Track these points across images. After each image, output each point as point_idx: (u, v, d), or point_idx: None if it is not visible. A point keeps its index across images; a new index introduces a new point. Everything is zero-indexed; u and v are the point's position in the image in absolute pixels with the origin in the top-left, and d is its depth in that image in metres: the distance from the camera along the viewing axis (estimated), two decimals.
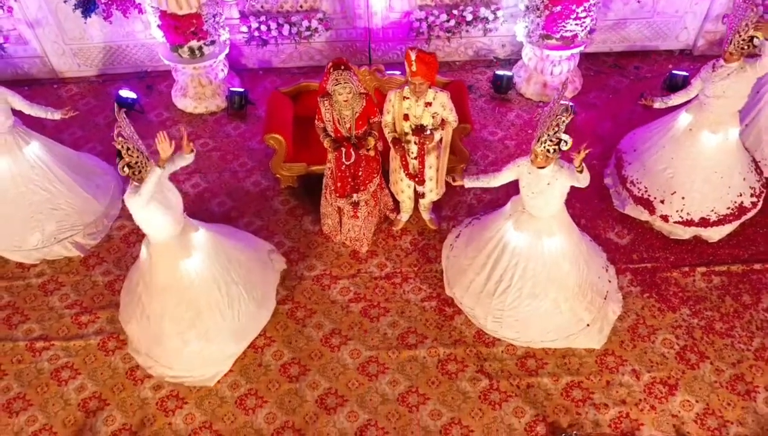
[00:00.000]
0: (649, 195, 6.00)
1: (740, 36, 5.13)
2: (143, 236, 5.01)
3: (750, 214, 5.93)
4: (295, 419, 5.05)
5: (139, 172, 4.44)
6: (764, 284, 5.67)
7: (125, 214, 6.32)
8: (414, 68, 4.95)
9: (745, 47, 5.15)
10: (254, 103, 7.39)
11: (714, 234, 5.91)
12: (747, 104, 5.68)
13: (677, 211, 5.88)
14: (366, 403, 5.11)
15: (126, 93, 7.26)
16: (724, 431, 4.87)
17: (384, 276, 5.89)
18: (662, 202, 5.93)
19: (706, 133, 5.61)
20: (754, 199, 5.92)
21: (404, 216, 6.22)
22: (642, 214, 6.06)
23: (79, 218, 6.09)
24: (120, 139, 4.35)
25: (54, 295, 5.85)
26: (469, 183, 5.03)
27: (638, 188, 6.07)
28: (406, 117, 5.27)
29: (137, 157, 4.40)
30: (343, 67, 5.03)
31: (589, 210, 6.22)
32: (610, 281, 5.58)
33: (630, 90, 7.39)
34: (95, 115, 7.40)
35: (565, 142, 4.45)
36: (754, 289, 5.64)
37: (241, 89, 7.33)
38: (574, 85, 7.35)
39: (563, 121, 4.37)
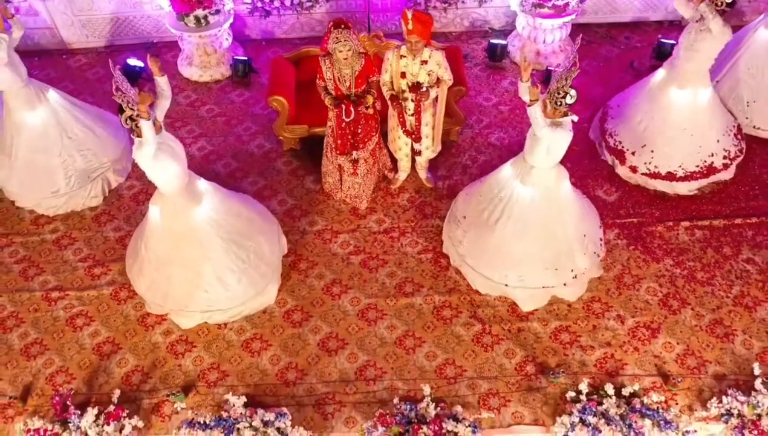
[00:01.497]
0: (622, 146, 6.31)
1: None
2: (151, 194, 5.27)
3: (721, 175, 6.19)
4: (298, 360, 5.35)
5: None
6: (744, 237, 5.95)
7: (134, 174, 6.64)
8: (410, 26, 5.21)
9: (720, 9, 5.42)
10: (258, 72, 7.66)
11: (682, 188, 6.19)
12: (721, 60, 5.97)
13: (645, 163, 6.19)
14: (365, 345, 5.41)
15: (133, 61, 7.52)
16: (703, 370, 5.16)
17: (382, 231, 6.18)
18: (633, 153, 6.25)
19: (674, 89, 5.91)
20: (727, 161, 6.17)
21: (402, 175, 6.49)
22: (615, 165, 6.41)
23: (105, 155, 6.44)
24: (119, 93, 4.59)
25: (68, 249, 6.14)
26: (525, 78, 4.82)
27: (614, 140, 6.38)
28: (403, 75, 5.53)
29: (138, 109, 4.63)
30: (343, 27, 5.28)
31: (579, 169, 6.48)
32: (591, 267, 5.68)
33: (620, 58, 7.67)
34: (104, 83, 7.65)
35: (571, 96, 4.73)
36: (734, 241, 5.92)
37: (245, 57, 7.59)
38: (566, 53, 7.61)
39: (570, 76, 4.65)
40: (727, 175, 6.27)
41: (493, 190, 5.51)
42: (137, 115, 4.64)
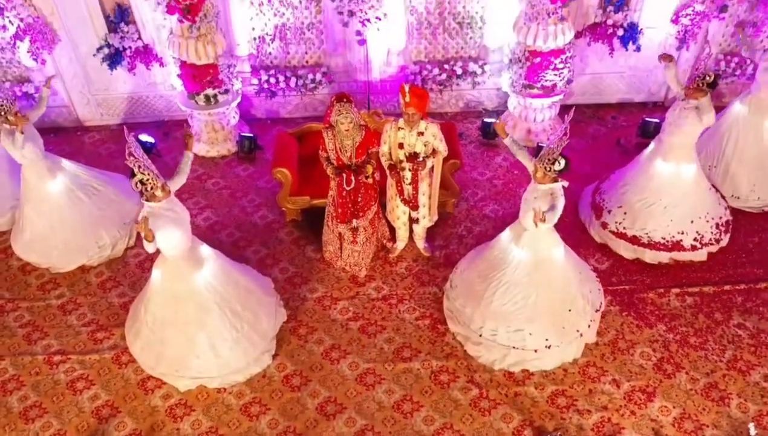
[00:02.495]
0: (603, 204, 6.61)
1: (699, 80, 5.81)
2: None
3: (686, 256, 6.37)
4: (296, 424, 5.36)
5: (151, 188, 4.92)
6: (734, 303, 6.10)
7: (140, 242, 6.83)
8: (407, 99, 5.57)
9: (702, 88, 5.83)
10: (262, 148, 8.02)
11: (647, 256, 6.42)
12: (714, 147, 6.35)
13: (616, 222, 6.48)
14: (363, 410, 5.44)
15: (144, 137, 7.89)
16: (700, 433, 5.18)
17: (381, 298, 6.32)
18: (609, 211, 6.55)
19: (659, 161, 6.24)
20: (697, 244, 6.35)
21: (400, 244, 6.70)
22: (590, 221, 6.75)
23: (124, 209, 6.84)
24: (131, 158, 4.87)
25: (72, 314, 6.26)
26: (507, 139, 5.51)
27: (600, 198, 6.71)
28: (401, 146, 5.85)
29: (148, 174, 4.90)
30: (345, 100, 5.65)
31: (571, 239, 6.66)
32: (590, 324, 5.81)
33: (607, 137, 8.07)
34: (115, 158, 7.98)
35: (559, 162, 5.04)
36: (725, 307, 6.06)
37: (251, 134, 7.97)
38: (556, 130, 8.00)
39: (560, 145, 4.97)
40: (694, 256, 6.41)
41: (492, 252, 5.72)
42: (148, 180, 4.89)
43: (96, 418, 5.45)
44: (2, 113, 6.02)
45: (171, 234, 5.11)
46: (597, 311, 5.78)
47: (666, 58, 6.23)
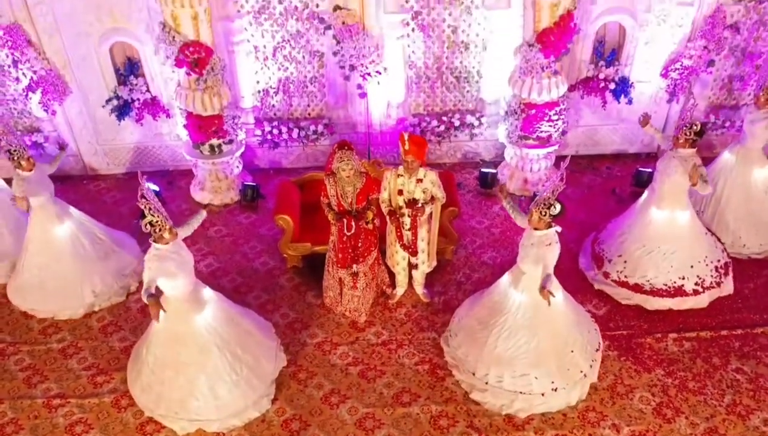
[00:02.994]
0: (603, 254, 6.70)
1: (686, 129, 6.03)
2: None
3: (690, 300, 6.44)
4: None
5: (159, 230, 5.08)
6: (731, 347, 6.14)
7: (140, 287, 6.91)
8: (407, 147, 5.76)
9: (690, 138, 6.03)
10: (265, 197, 8.18)
11: (649, 304, 6.47)
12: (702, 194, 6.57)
13: (617, 271, 6.56)
14: None
15: (149, 185, 8.02)
16: None
17: (380, 343, 6.36)
18: (609, 261, 6.65)
19: (653, 209, 6.39)
20: (698, 288, 6.44)
21: (399, 290, 6.78)
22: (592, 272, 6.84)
23: (123, 261, 6.94)
24: (143, 200, 5.04)
25: (73, 358, 6.28)
26: (505, 202, 5.75)
27: (599, 248, 6.79)
28: (400, 192, 6.00)
29: (158, 216, 5.06)
30: (346, 147, 5.84)
31: (569, 285, 6.73)
32: (591, 364, 5.87)
33: (602, 186, 8.25)
34: (120, 206, 8.16)
35: (554, 207, 5.19)
36: (722, 352, 6.10)
37: (254, 183, 8.15)
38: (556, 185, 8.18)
39: (556, 190, 5.14)
40: (697, 302, 6.48)
41: (491, 298, 5.81)
42: (157, 222, 5.04)
43: None
44: (15, 158, 6.21)
45: (175, 276, 5.21)
46: (597, 350, 5.83)
47: (643, 122, 6.51)
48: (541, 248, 5.29)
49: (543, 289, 5.12)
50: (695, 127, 6.00)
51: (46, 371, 6.17)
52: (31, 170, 6.29)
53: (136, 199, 7.87)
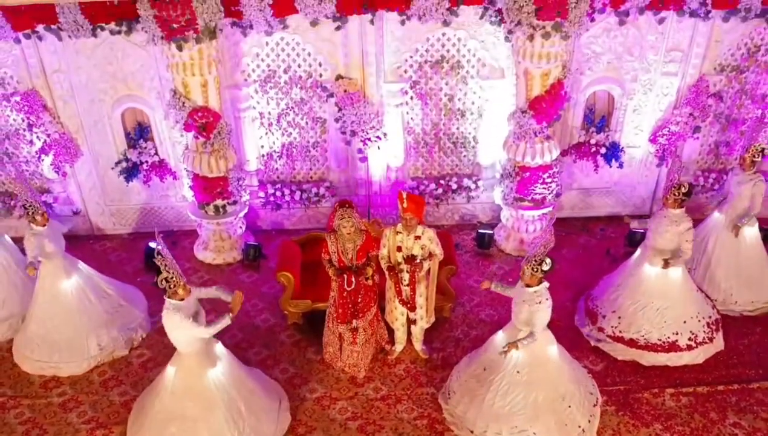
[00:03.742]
0: (597, 309, 6.85)
1: (674, 190, 6.30)
2: (161, 363, 5.75)
3: (684, 356, 6.54)
4: None
5: (173, 286, 5.27)
6: (728, 402, 6.19)
7: (145, 344, 7.02)
8: (405, 205, 5.99)
9: (678, 198, 6.29)
10: (267, 257, 8.37)
11: (644, 359, 6.57)
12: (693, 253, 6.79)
13: (612, 326, 6.71)
14: None
15: (155, 244, 8.23)
16: None
17: (379, 398, 6.40)
18: (604, 317, 6.81)
19: (646, 266, 6.58)
20: (692, 343, 6.57)
21: (398, 347, 6.87)
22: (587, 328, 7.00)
23: (130, 315, 7.10)
24: (159, 257, 5.25)
25: (73, 412, 6.32)
26: (493, 287, 5.91)
27: (593, 304, 6.96)
28: (399, 248, 6.20)
29: (173, 273, 5.27)
30: (347, 206, 6.07)
31: (565, 343, 6.82)
32: (590, 419, 5.93)
33: (597, 247, 8.46)
34: (124, 265, 8.34)
35: (546, 263, 5.38)
36: (719, 407, 6.15)
37: (256, 243, 8.35)
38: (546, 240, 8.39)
39: (546, 246, 5.35)
40: (692, 357, 6.57)
41: (488, 356, 5.92)
42: (171, 278, 5.22)
43: None
44: (30, 212, 6.44)
45: (189, 331, 5.35)
46: (595, 405, 5.87)
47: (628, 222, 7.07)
48: (532, 305, 5.46)
49: (512, 343, 5.38)
50: (683, 188, 6.27)
51: (45, 424, 6.20)
52: (44, 226, 6.51)
53: (140, 259, 8.18)
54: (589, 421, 5.80)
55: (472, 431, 5.86)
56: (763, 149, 6.98)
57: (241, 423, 5.67)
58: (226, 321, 5.52)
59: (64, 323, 6.68)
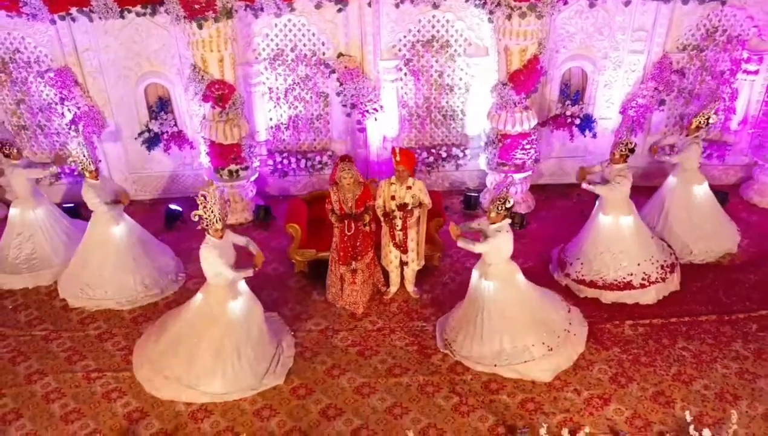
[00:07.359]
0: (566, 259, 7.83)
1: (621, 145, 7.22)
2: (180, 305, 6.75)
3: (636, 293, 7.45)
4: (301, 424, 6.20)
5: (207, 224, 6.16)
6: (679, 331, 7.10)
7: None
8: (398, 159, 6.92)
9: (624, 153, 7.23)
10: (275, 218, 9.28)
11: (603, 297, 7.51)
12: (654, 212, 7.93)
13: (576, 271, 7.66)
14: (359, 413, 6.29)
15: (174, 206, 9.19)
16: (649, 429, 6.01)
17: (376, 329, 7.31)
18: (570, 264, 7.75)
19: (601, 215, 7.53)
20: (645, 282, 7.47)
21: (393, 288, 7.78)
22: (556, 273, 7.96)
23: (165, 261, 8.08)
24: (202, 198, 6.08)
25: (108, 341, 7.23)
26: (461, 242, 6.59)
27: (564, 254, 7.95)
28: (393, 198, 7.12)
29: (209, 214, 6.11)
30: (347, 160, 7.00)
31: (542, 285, 7.72)
32: (570, 323, 6.93)
33: (572, 209, 9.37)
34: (146, 226, 9.18)
35: (509, 200, 6.29)
36: (671, 335, 7.06)
37: (265, 204, 9.27)
38: (527, 203, 9.34)
39: (508, 187, 6.27)
40: (643, 295, 7.46)
41: (468, 295, 6.84)
42: (206, 218, 6.11)
43: (127, 420, 6.29)
44: (81, 169, 7.38)
45: (218, 269, 6.27)
46: (569, 311, 7.00)
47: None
48: (496, 238, 6.34)
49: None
50: (630, 145, 7.18)
51: (84, 351, 7.10)
52: (97, 179, 7.48)
53: (161, 222, 9.03)
54: (570, 323, 6.81)
55: (495, 365, 6.64)
56: (708, 118, 7.91)
57: (242, 354, 6.52)
58: (249, 272, 6.44)
59: (114, 264, 7.63)
